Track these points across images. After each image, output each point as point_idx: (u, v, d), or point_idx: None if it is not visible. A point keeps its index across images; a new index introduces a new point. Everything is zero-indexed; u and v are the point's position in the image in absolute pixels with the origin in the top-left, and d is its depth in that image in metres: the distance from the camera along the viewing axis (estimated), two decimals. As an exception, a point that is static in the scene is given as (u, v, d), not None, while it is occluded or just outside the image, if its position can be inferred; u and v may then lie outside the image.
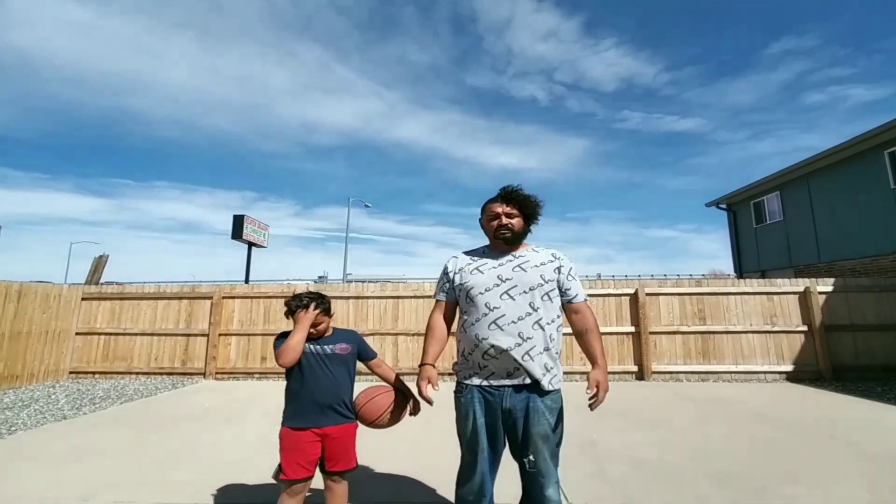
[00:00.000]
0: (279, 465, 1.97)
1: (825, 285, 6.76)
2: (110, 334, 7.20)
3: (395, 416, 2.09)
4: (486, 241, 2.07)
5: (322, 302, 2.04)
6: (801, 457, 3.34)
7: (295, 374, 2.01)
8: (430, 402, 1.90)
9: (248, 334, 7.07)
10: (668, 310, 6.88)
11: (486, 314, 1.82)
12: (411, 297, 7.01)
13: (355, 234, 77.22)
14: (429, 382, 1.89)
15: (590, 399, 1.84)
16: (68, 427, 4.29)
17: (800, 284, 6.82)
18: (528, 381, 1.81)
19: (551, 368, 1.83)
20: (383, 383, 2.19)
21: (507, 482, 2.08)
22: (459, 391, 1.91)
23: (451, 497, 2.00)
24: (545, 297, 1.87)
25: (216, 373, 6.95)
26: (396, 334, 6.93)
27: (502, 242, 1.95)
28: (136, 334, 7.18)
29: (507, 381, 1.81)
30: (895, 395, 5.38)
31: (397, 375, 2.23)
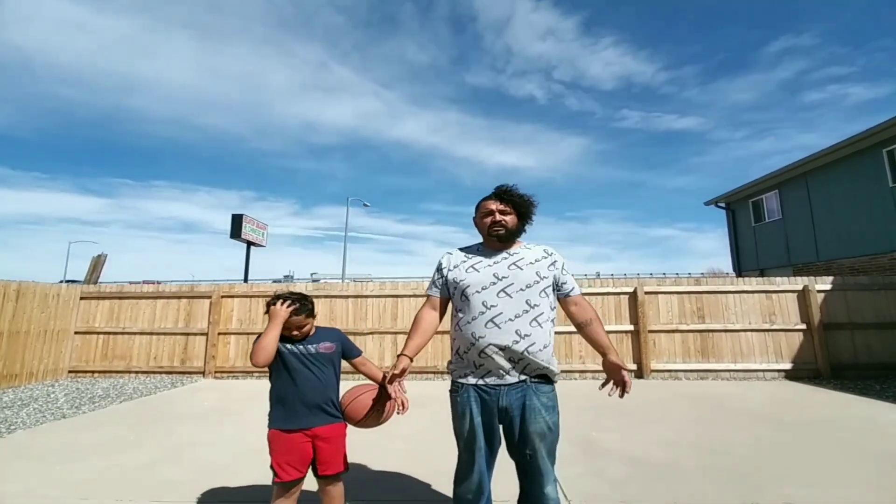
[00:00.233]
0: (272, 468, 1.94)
1: (824, 284, 6.77)
2: (109, 333, 7.20)
3: (381, 412, 2.03)
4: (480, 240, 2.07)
5: (304, 303, 2.00)
6: (799, 455, 3.35)
7: (280, 376, 1.98)
8: (402, 403, 1.88)
9: (248, 333, 7.06)
10: (666, 308, 6.89)
11: (482, 312, 1.82)
12: (410, 296, 7.05)
13: (354, 234, 77.33)
14: (400, 375, 1.85)
15: (616, 386, 1.82)
16: (67, 426, 4.29)
17: (798, 283, 6.83)
18: (524, 378, 1.81)
19: (551, 364, 1.84)
20: (370, 382, 2.15)
21: (505, 481, 2.09)
22: (455, 390, 1.91)
23: (450, 494, 2.01)
24: (541, 294, 1.87)
25: (215, 372, 6.95)
26: (396, 333, 6.94)
27: (496, 240, 1.95)
28: (135, 333, 7.18)
29: (504, 380, 1.81)
30: (893, 394, 5.39)
31: (384, 374, 2.20)
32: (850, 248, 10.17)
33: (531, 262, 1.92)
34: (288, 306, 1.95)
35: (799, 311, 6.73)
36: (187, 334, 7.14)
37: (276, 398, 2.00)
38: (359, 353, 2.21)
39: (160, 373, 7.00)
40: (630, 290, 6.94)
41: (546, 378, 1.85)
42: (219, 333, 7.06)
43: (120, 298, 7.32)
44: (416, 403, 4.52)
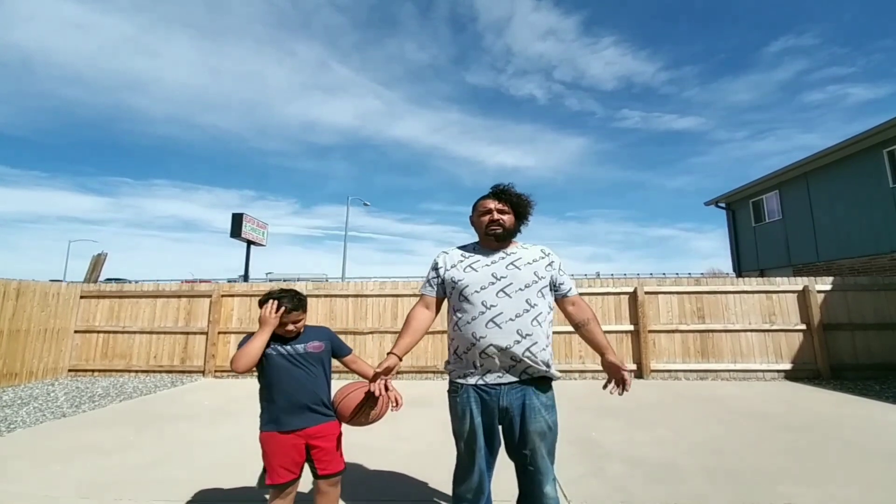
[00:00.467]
0: (263, 471, 1.90)
1: (824, 284, 6.77)
2: (109, 332, 7.20)
3: (372, 409, 1.97)
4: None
5: (294, 300, 1.95)
6: (799, 455, 3.35)
7: (270, 377, 1.92)
8: (395, 399, 1.88)
9: (248, 332, 7.02)
10: (666, 308, 6.89)
11: (483, 312, 1.81)
12: (411, 296, 7.03)
13: (354, 233, 77.21)
14: (385, 373, 1.83)
15: (617, 385, 1.82)
16: (67, 425, 4.29)
17: (798, 283, 6.83)
18: (524, 378, 1.81)
19: (550, 364, 1.84)
20: (362, 380, 2.09)
21: (505, 481, 2.08)
22: (454, 391, 1.89)
23: (449, 494, 2.01)
24: (539, 294, 1.87)
25: (215, 371, 6.95)
26: (396, 332, 6.91)
27: (493, 239, 1.95)
28: (135, 332, 7.18)
29: (504, 379, 1.80)
30: (893, 394, 5.39)
31: (376, 372, 2.12)
32: (850, 248, 10.16)
33: (529, 262, 1.92)
34: (277, 310, 1.90)
35: (799, 312, 6.73)
36: (187, 333, 7.14)
37: (265, 400, 1.95)
38: (349, 350, 2.17)
39: (160, 372, 7.00)
40: (630, 290, 6.94)
41: (545, 378, 1.86)
42: (219, 332, 7.06)
43: (120, 297, 7.32)
44: (416, 403, 4.54)
